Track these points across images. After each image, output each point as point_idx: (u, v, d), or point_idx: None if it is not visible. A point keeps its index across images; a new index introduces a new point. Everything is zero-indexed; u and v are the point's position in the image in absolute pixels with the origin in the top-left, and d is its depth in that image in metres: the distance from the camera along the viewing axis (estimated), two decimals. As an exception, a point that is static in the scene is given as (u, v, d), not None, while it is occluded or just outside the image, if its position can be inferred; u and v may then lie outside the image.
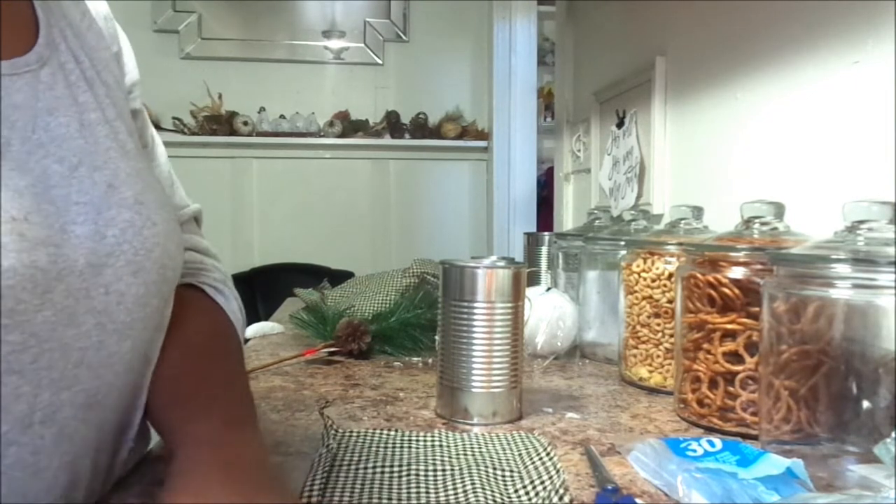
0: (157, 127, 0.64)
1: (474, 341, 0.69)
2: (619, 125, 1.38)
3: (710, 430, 0.68)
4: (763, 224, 0.70)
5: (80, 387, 0.44)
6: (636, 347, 0.86)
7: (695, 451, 0.58)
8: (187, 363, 0.54)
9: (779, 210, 0.70)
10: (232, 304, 0.62)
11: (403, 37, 3.00)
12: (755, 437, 0.63)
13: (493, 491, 0.52)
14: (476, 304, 0.69)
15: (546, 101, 2.99)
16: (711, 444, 0.58)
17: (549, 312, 0.99)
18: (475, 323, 0.69)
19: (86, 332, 0.44)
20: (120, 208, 0.47)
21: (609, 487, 0.53)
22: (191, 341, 0.55)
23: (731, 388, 0.67)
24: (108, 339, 0.46)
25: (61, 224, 0.43)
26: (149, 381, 0.52)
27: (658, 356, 0.84)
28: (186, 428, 0.49)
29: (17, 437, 0.41)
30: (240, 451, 0.48)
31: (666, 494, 0.52)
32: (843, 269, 0.53)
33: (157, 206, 0.51)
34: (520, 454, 0.60)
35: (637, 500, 0.51)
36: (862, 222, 0.55)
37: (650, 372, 0.84)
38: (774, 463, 0.53)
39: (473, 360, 0.69)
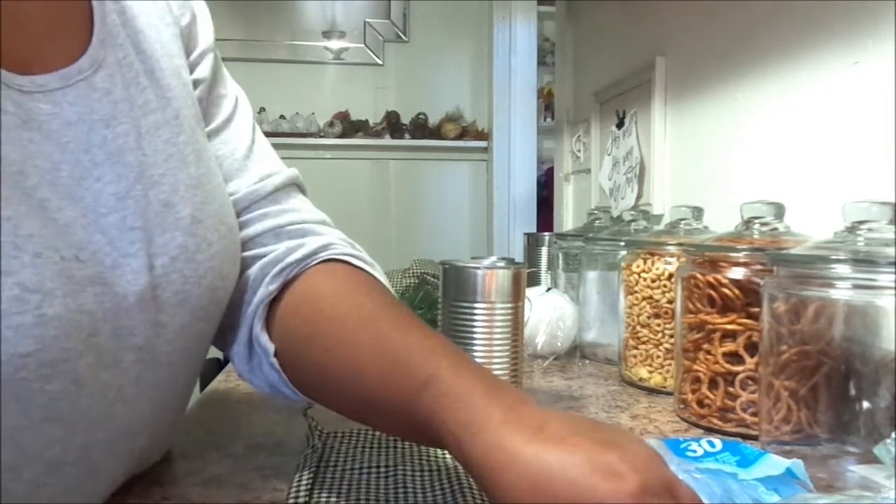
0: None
1: (474, 342, 0.69)
2: (619, 125, 1.38)
3: (710, 430, 0.68)
4: (763, 224, 0.70)
5: (114, 422, 0.41)
6: (636, 348, 0.86)
7: (695, 451, 0.57)
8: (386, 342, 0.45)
9: (779, 210, 0.70)
10: (378, 270, 0.55)
11: (403, 37, 3.00)
12: (755, 438, 0.63)
13: (481, 491, 0.51)
14: (476, 305, 0.69)
15: (546, 102, 2.98)
16: (711, 444, 0.58)
17: (549, 313, 0.99)
18: (475, 323, 0.69)
19: (124, 368, 0.40)
20: (175, 232, 0.42)
21: None
22: (382, 326, 0.46)
23: (731, 389, 0.67)
24: (146, 372, 0.42)
25: (114, 259, 0.39)
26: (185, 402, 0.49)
27: (658, 356, 0.84)
28: (438, 397, 0.40)
29: (46, 480, 0.38)
30: (515, 394, 0.41)
31: (666, 495, 0.52)
32: (843, 269, 0.53)
33: (217, 220, 0.46)
34: None
35: None
36: (862, 223, 0.55)
37: (650, 372, 0.84)
38: (774, 463, 0.53)
39: (473, 360, 0.69)
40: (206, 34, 0.54)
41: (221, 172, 0.52)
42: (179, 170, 0.44)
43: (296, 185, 0.58)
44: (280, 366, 0.50)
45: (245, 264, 0.52)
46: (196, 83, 0.52)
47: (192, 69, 0.52)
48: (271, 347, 0.50)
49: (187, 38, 0.52)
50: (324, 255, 0.52)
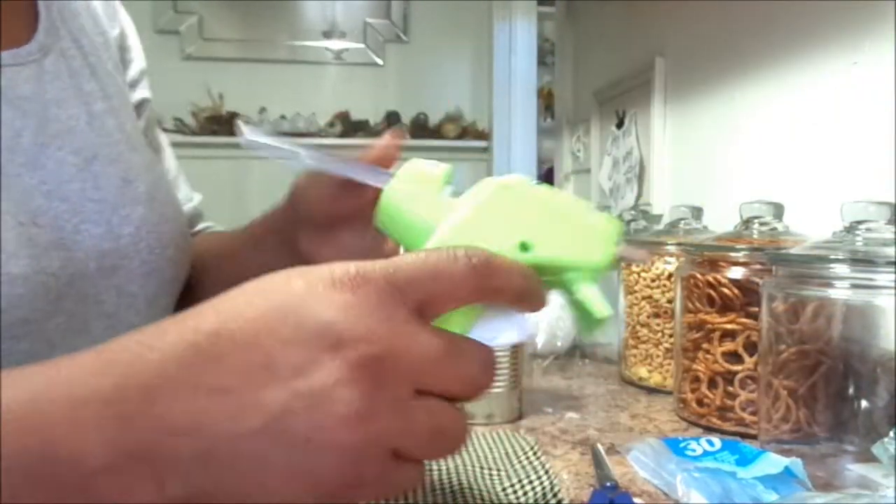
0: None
1: (474, 341, 0.69)
2: (619, 125, 1.38)
3: (710, 429, 0.68)
4: (762, 224, 0.70)
5: None
6: (636, 347, 0.86)
7: (694, 450, 0.58)
8: None
9: (778, 210, 0.70)
10: None
11: (404, 37, 3.00)
12: (754, 437, 0.63)
13: (480, 489, 0.52)
14: (476, 305, 0.69)
15: (546, 102, 2.98)
16: (710, 443, 0.59)
17: (550, 312, 0.99)
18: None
19: (96, 337, 0.42)
20: (135, 205, 0.45)
21: (608, 485, 0.53)
22: None
23: (730, 388, 0.67)
24: None
25: (75, 224, 0.41)
26: None
27: (657, 356, 0.84)
28: None
29: None
30: None
31: (665, 494, 0.52)
32: (841, 269, 0.53)
33: (169, 199, 0.49)
34: (506, 453, 0.60)
35: (634, 499, 0.51)
36: (860, 222, 0.55)
37: (650, 372, 0.85)
38: (773, 462, 0.53)
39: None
40: (137, 54, 0.58)
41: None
42: (132, 152, 0.48)
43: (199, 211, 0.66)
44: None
45: None
46: (143, 103, 0.57)
47: (133, 85, 0.56)
48: None
49: (121, 50, 0.56)
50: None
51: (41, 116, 0.42)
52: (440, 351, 0.27)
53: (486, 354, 0.28)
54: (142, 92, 0.57)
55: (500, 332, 0.29)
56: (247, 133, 0.33)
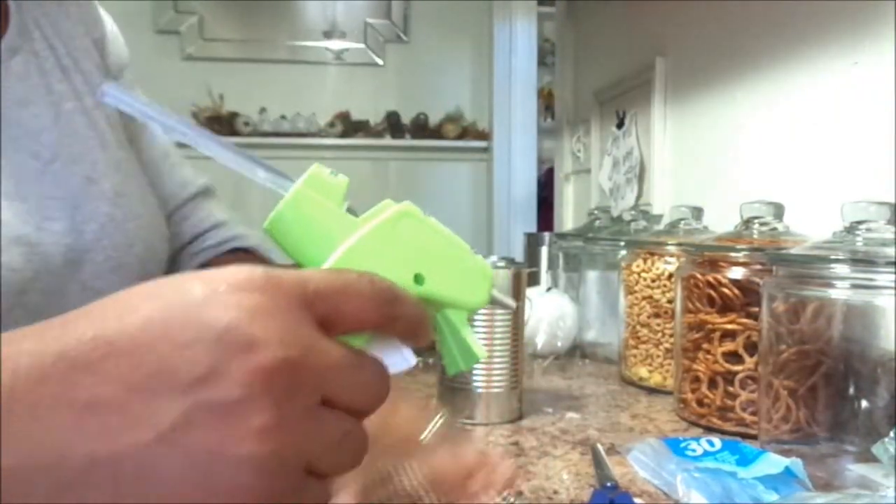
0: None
1: (474, 341, 0.69)
2: (619, 126, 1.38)
3: (710, 429, 0.68)
4: (762, 224, 0.70)
5: None
6: (636, 347, 0.86)
7: (694, 450, 0.58)
8: None
9: (778, 210, 0.70)
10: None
11: (404, 37, 3.00)
12: (754, 437, 0.63)
13: None
14: (476, 305, 0.69)
15: (546, 102, 2.98)
16: (711, 443, 0.59)
17: (550, 312, 0.99)
18: (476, 323, 0.69)
19: None
20: (99, 202, 0.45)
21: (608, 485, 0.53)
22: None
23: (730, 388, 0.67)
24: None
25: (37, 222, 0.42)
26: None
27: (658, 356, 0.84)
28: None
29: None
30: None
31: (665, 494, 0.52)
32: (841, 269, 0.53)
33: (140, 197, 0.50)
34: None
35: (634, 499, 0.51)
36: (860, 223, 0.55)
37: (650, 372, 0.85)
38: (773, 462, 0.53)
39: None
40: (118, 50, 0.58)
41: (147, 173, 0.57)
42: (99, 150, 0.48)
43: (205, 194, 0.65)
44: None
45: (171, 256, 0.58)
46: None
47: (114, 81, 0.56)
48: None
49: (102, 51, 0.56)
50: (233, 243, 0.61)
51: (1, 119, 0.42)
52: (346, 360, 0.26)
53: (382, 367, 0.28)
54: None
55: (384, 360, 0.29)
56: (109, 90, 0.30)
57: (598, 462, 0.58)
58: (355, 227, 0.32)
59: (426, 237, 0.33)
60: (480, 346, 0.35)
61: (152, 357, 0.23)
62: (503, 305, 0.38)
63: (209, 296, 0.24)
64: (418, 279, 0.32)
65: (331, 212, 0.32)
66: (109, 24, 0.59)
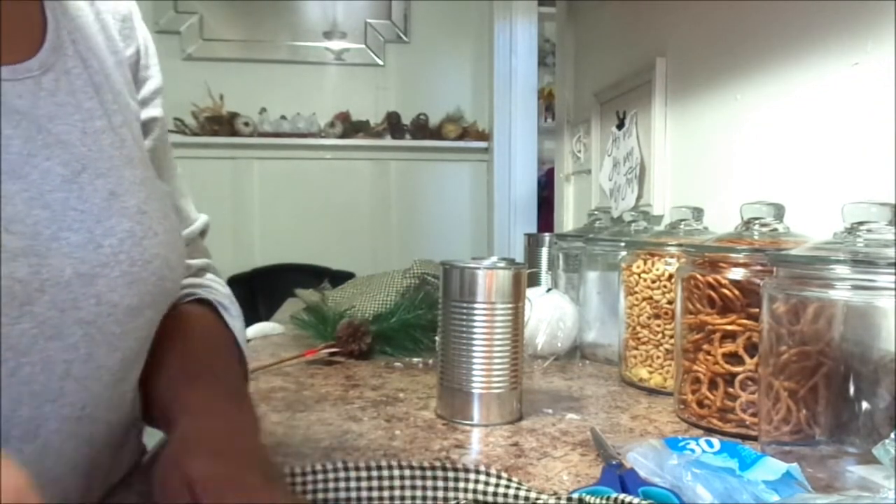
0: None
1: (475, 342, 0.69)
2: (620, 126, 1.38)
3: (710, 430, 0.68)
4: (763, 225, 0.70)
5: (65, 400, 0.43)
6: (636, 348, 0.86)
7: (693, 451, 0.58)
8: (191, 361, 0.53)
9: (778, 211, 0.70)
10: (239, 322, 0.61)
11: (404, 38, 3.00)
12: (755, 438, 0.63)
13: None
14: (476, 305, 0.69)
15: (546, 102, 2.98)
16: (710, 444, 0.59)
17: (550, 313, 0.99)
18: (475, 324, 0.69)
19: (72, 343, 0.42)
20: (121, 217, 0.46)
21: (613, 463, 0.56)
22: (196, 347, 0.55)
23: (730, 389, 0.67)
24: (97, 351, 0.44)
25: (53, 231, 0.42)
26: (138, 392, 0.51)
27: (658, 357, 0.84)
28: (188, 397, 0.48)
29: None
30: (238, 425, 0.47)
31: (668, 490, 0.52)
32: (842, 270, 0.53)
33: (162, 215, 0.50)
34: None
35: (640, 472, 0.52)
36: (861, 223, 0.55)
37: (650, 373, 0.85)
38: (772, 467, 0.53)
39: (474, 360, 0.69)
40: (155, 72, 0.58)
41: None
42: (124, 168, 0.48)
43: (202, 233, 0.66)
44: None
45: None
46: (153, 122, 0.57)
47: (144, 104, 0.57)
48: None
49: (136, 69, 0.56)
50: (199, 294, 0.61)
51: (32, 129, 0.43)
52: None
53: None
54: (152, 111, 0.57)
55: None
56: None
57: (598, 443, 0.61)
58: None
59: None
60: None
61: None
62: None
63: None
64: None
65: None
66: (147, 42, 0.58)
